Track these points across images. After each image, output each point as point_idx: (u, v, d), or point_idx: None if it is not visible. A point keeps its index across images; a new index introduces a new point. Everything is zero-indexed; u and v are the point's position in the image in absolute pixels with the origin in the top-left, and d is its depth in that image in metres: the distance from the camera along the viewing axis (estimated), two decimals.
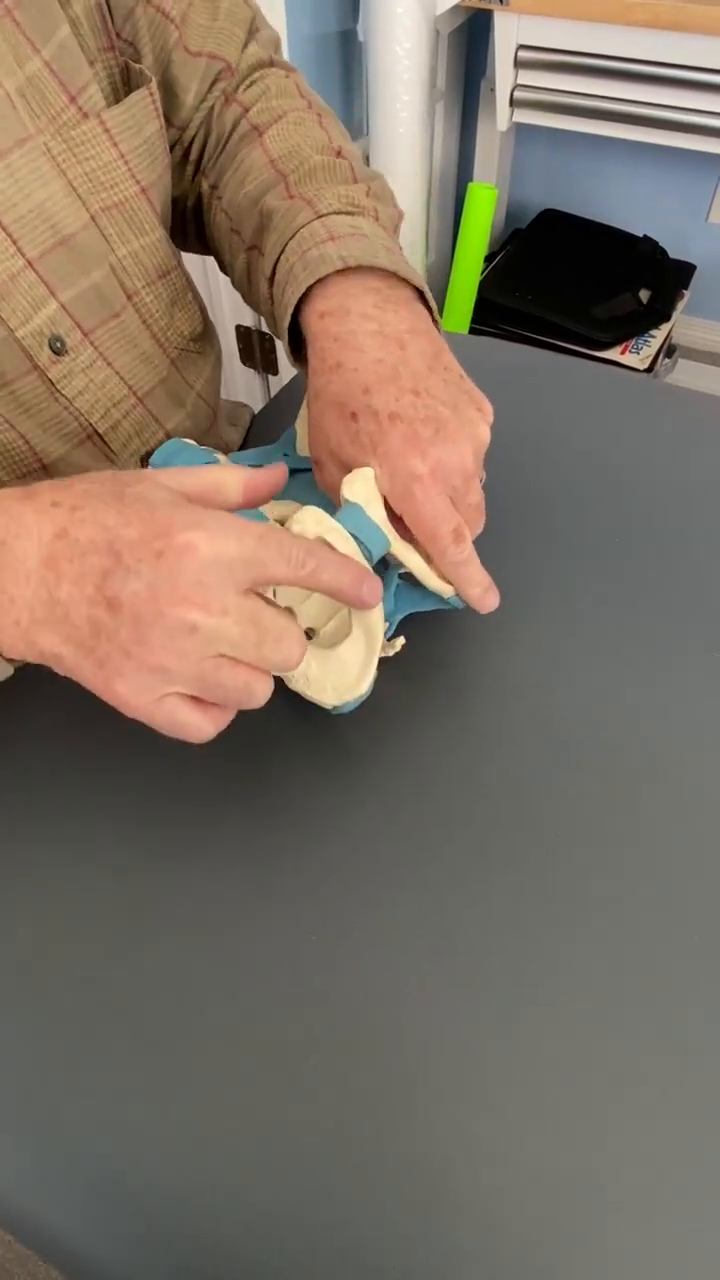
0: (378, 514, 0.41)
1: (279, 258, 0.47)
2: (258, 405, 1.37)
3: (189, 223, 0.58)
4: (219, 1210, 0.33)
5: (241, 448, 0.66)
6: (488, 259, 1.64)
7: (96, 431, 0.49)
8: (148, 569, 0.30)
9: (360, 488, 0.41)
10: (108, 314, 0.48)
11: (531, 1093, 0.35)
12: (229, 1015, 0.37)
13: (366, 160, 1.44)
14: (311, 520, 0.40)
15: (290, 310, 0.45)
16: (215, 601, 0.30)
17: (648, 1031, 0.36)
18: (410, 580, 0.46)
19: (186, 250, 0.60)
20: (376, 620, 0.42)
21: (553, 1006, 0.37)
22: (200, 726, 0.33)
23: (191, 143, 0.54)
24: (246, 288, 0.54)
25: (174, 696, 0.33)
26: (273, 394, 0.69)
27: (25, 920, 0.40)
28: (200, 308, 0.57)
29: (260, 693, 0.33)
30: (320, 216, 0.47)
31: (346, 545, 0.40)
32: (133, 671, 0.31)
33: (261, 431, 0.67)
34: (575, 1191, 0.33)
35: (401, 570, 0.45)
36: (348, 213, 0.48)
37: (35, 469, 0.47)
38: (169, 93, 0.51)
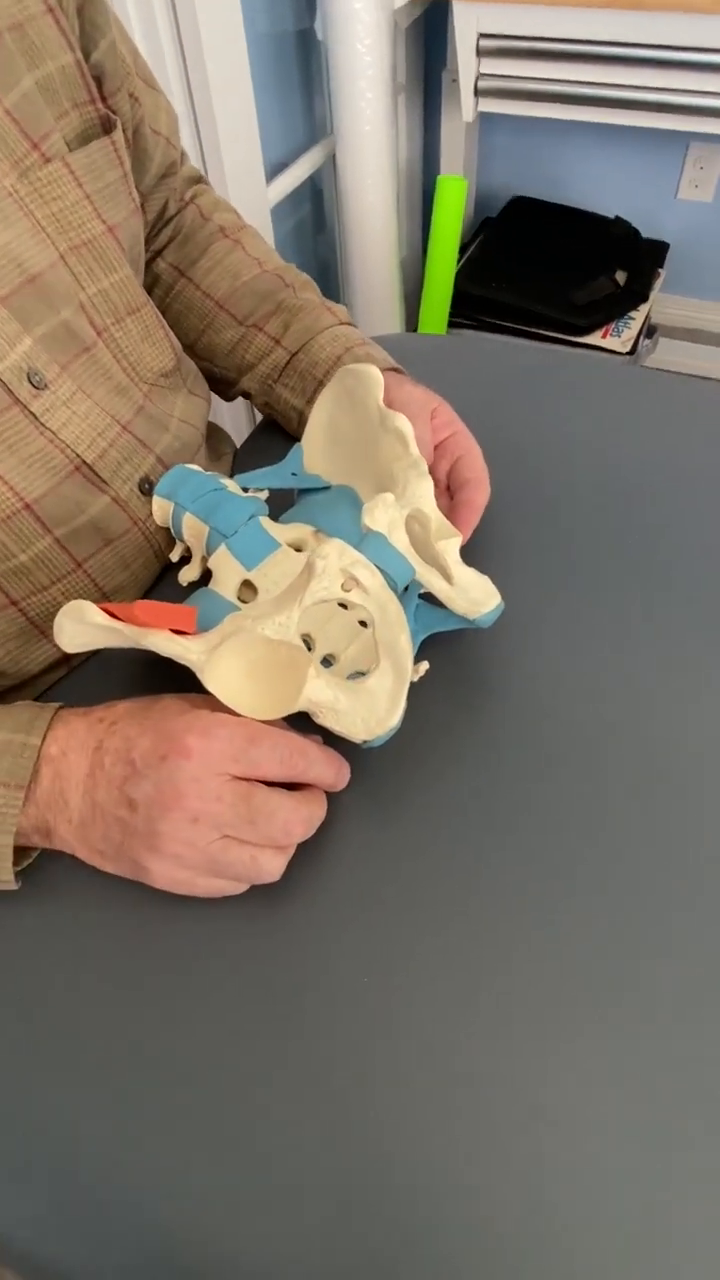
0: (401, 541, 0.41)
1: (307, 342, 0.60)
2: (244, 427, 1.34)
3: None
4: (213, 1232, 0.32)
5: (231, 475, 0.64)
6: (460, 251, 1.63)
7: (85, 461, 0.48)
8: (154, 772, 0.37)
9: (381, 515, 0.40)
10: (79, 349, 0.49)
11: (547, 1114, 0.34)
12: (228, 1034, 0.36)
13: (333, 162, 1.43)
14: (335, 554, 0.39)
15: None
16: (211, 792, 0.37)
17: (674, 1046, 0.35)
18: (430, 600, 0.45)
19: None
20: (405, 650, 0.41)
21: (567, 1013, 0.36)
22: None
23: (148, 216, 0.62)
24: (222, 350, 0.64)
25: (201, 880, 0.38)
26: (258, 419, 0.68)
27: (26, 944, 0.39)
28: (172, 344, 0.58)
29: (267, 866, 0.39)
30: (343, 324, 0.61)
31: (372, 578, 0.39)
32: (155, 862, 0.37)
33: (248, 459, 0.65)
34: (593, 1221, 0.32)
35: (421, 590, 0.44)
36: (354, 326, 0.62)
37: (17, 510, 0.46)
38: (138, 162, 0.58)
